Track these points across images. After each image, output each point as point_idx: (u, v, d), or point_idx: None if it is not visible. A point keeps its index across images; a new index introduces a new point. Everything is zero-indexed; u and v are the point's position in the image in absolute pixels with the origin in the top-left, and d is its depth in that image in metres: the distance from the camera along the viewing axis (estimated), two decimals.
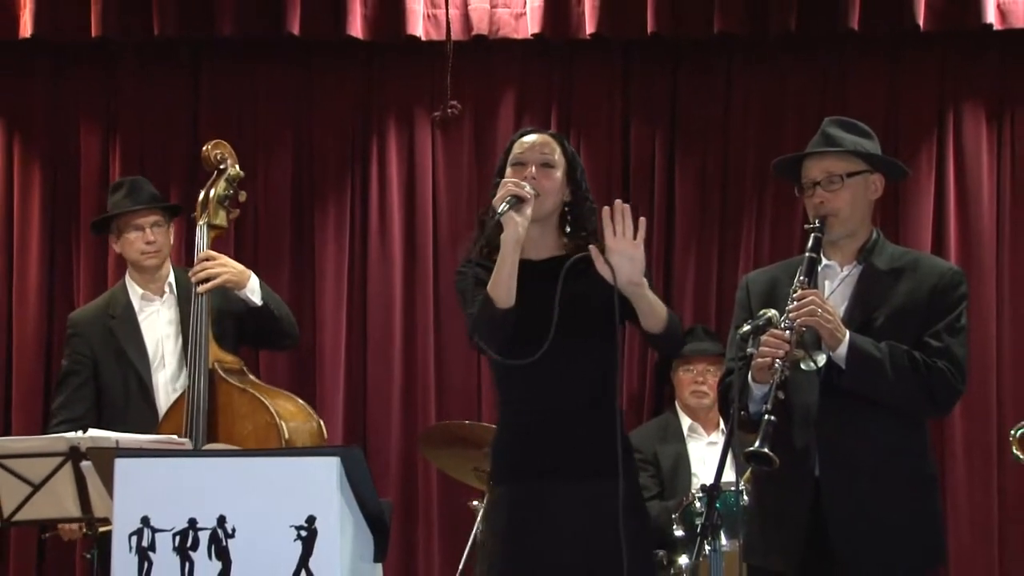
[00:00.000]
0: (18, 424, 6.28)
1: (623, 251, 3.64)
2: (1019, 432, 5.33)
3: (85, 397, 5.02)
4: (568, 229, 3.96)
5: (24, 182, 6.42)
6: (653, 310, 3.75)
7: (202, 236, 4.93)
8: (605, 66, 6.40)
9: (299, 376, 6.23)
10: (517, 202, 3.74)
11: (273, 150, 6.40)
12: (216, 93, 6.46)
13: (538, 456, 3.84)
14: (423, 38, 6.20)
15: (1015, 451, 5.29)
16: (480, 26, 6.21)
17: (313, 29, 6.17)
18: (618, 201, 3.68)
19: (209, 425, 4.72)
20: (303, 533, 3.26)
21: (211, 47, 6.41)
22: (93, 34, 6.14)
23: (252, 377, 4.93)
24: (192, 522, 3.31)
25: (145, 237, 5.06)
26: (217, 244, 5.01)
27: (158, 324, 5.07)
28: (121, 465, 3.40)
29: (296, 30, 6.13)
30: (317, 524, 3.26)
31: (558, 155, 3.93)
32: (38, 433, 5.87)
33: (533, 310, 3.76)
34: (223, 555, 3.29)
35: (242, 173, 5.03)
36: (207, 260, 4.87)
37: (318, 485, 3.27)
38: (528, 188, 3.77)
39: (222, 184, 4.96)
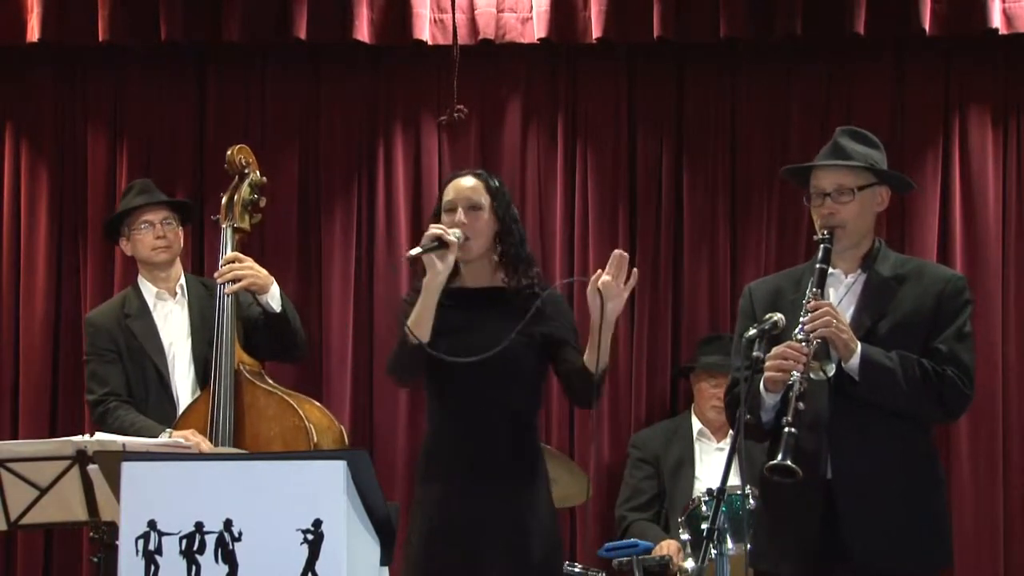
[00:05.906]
0: (25, 427, 6.28)
1: (612, 291, 3.96)
2: None
3: (119, 373, 5.00)
4: (498, 258, 4.25)
5: (31, 186, 6.42)
6: (608, 348, 4.02)
7: (227, 239, 5.01)
8: (611, 70, 6.40)
9: (306, 379, 6.21)
10: (440, 246, 4.04)
11: (280, 154, 6.39)
12: (223, 97, 6.46)
13: (462, 457, 4.12)
14: (430, 42, 6.20)
15: None
16: (486, 30, 6.21)
17: (320, 33, 6.17)
18: (619, 251, 4.02)
19: (234, 426, 4.75)
20: (310, 537, 3.27)
21: (218, 51, 6.41)
22: (100, 39, 6.14)
23: (271, 381, 4.96)
24: (199, 525, 3.32)
25: (156, 232, 5.08)
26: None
27: (172, 323, 5.08)
28: (128, 469, 3.42)
29: (303, 34, 6.13)
30: (324, 528, 3.27)
31: (484, 196, 4.24)
32: (46, 436, 5.91)
33: (473, 332, 4.11)
34: (230, 558, 3.30)
35: (264, 179, 5.13)
36: (234, 262, 4.91)
37: (325, 489, 3.28)
38: (457, 233, 4.09)
39: (246, 188, 5.06)
